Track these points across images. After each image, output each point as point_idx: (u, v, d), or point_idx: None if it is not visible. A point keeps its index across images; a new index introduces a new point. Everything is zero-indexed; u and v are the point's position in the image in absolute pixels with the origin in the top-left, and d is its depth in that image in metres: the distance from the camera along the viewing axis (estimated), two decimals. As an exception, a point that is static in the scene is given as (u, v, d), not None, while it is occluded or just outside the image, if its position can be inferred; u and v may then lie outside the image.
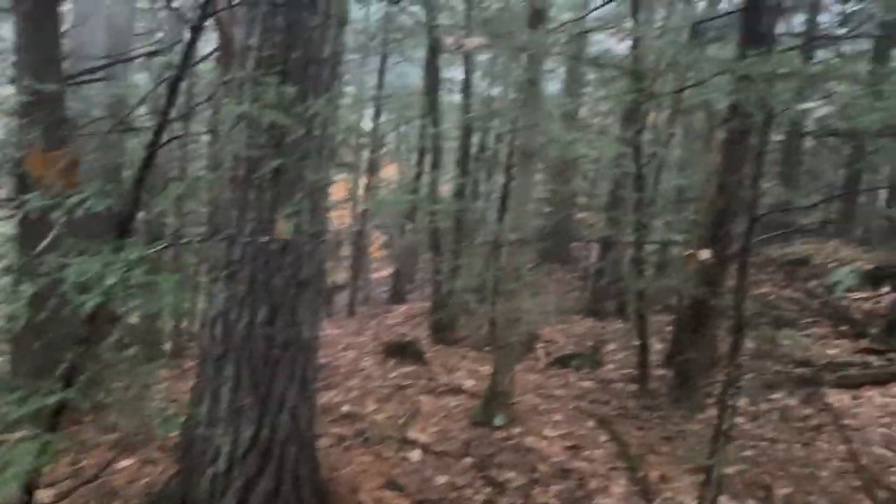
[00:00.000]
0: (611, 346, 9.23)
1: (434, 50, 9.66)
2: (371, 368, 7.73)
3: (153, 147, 2.17)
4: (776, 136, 10.54)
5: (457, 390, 6.97)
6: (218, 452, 3.71)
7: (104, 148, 5.87)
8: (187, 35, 2.23)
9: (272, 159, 3.11)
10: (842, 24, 9.45)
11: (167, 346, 9.33)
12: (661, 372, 7.71)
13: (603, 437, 5.97)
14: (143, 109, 8.08)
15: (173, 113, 2.39)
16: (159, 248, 2.24)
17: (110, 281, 1.64)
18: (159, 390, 7.19)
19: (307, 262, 3.68)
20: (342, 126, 2.97)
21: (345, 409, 6.31)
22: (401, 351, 7.98)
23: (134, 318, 7.65)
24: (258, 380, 3.68)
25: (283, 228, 2.10)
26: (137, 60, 8.46)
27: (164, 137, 2.27)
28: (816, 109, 2.48)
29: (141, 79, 12.45)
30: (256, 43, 3.42)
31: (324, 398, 6.60)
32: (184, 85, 8.67)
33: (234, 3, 3.17)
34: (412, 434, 5.73)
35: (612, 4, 11.01)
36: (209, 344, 3.76)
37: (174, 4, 8.90)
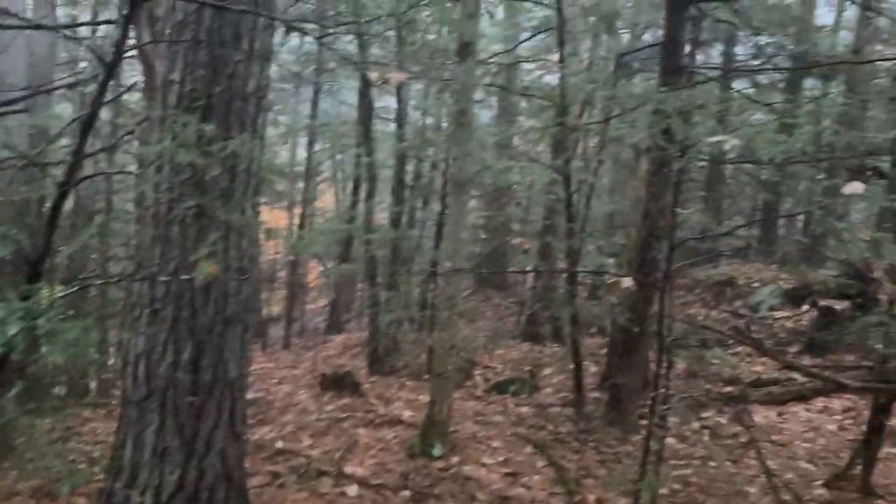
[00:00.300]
0: (547, 371, 9.32)
1: (367, 80, 9.70)
2: (306, 402, 7.59)
3: (65, 187, 2.10)
4: (698, 164, 10.96)
5: (395, 421, 6.90)
6: (143, 499, 3.56)
7: (20, 183, 5.64)
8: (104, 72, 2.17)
9: (192, 197, 3.05)
10: (755, 56, 9.95)
11: (93, 385, 8.98)
12: (596, 395, 7.82)
13: (540, 463, 6.00)
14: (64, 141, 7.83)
15: (92, 146, 2.32)
16: (72, 290, 2.16)
17: (12, 331, 1.57)
18: (83, 433, 6.91)
19: (234, 298, 3.61)
20: (266, 162, 2.91)
21: (279, 445, 6.17)
22: (337, 383, 7.86)
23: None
24: (183, 421, 3.57)
25: (205, 267, 2.06)
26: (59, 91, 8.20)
27: (81, 175, 2.20)
28: (726, 142, 2.60)
29: (64, 109, 12.06)
30: (179, 77, 3.37)
31: (256, 435, 6.44)
32: (109, 115, 8.47)
33: (156, 37, 3.13)
34: (349, 468, 5.64)
35: (541, 36, 11.33)
36: (131, 386, 3.63)
37: (100, 34, 8.69)
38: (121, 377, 4.22)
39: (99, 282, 4.99)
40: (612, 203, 11.51)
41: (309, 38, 12.57)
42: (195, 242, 3.24)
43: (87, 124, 2.18)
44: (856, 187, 2.93)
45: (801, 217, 12.73)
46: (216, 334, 3.58)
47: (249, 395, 7.48)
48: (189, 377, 3.54)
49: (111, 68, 2.05)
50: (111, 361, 9.12)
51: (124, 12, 2.06)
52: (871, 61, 6.78)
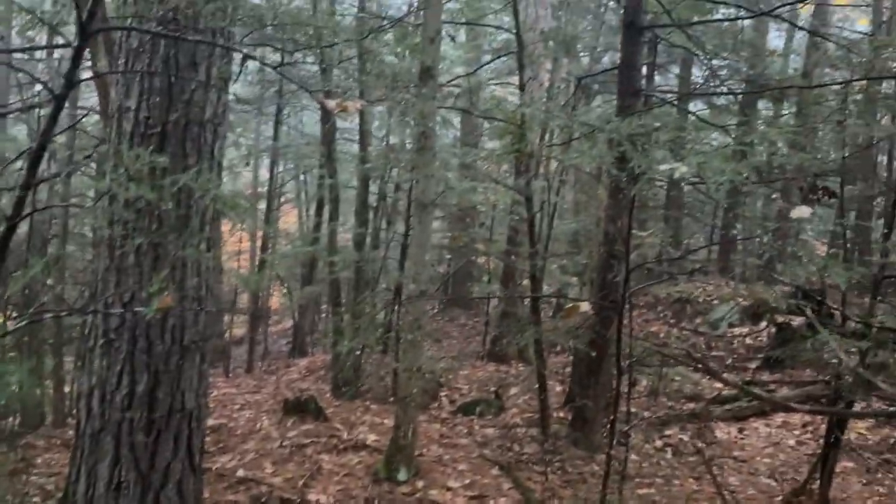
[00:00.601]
0: (513, 391, 9.33)
1: (330, 97, 9.67)
2: (269, 428, 7.47)
3: (12, 221, 2.06)
4: (658, 185, 11.16)
5: (359, 446, 6.84)
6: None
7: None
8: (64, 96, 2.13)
9: (146, 230, 3.01)
10: (708, 79, 10.21)
11: (49, 414, 8.74)
12: (561, 414, 7.85)
13: (507, 485, 5.99)
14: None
15: (48, 170, 2.28)
16: (21, 325, 2.10)
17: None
18: (38, 465, 6.69)
19: (191, 328, 3.55)
20: (223, 199, 2.86)
21: (240, 473, 6.05)
22: (300, 408, 7.75)
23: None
24: (139, 454, 3.48)
25: (156, 301, 2.02)
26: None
27: (32, 205, 2.15)
28: (676, 169, 2.67)
29: (20, 131, 11.80)
30: (134, 104, 3.33)
31: (218, 463, 6.32)
32: (66, 139, 8.32)
33: (113, 63, 3.09)
34: (312, 495, 5.56)
35: (504, 58, 11.48)
36: (85, 418, 3.55)
37: (55, 57, 8.57)
38: (76, 408, 4.12)
39: (49, 315, 4.86)
40: (575, 222, 11.65)
41: (270, 57, 12.56)
42: (151, 272, 3.20)
43: (35, 157, 2.14)
44: (803, 211, 3.02)
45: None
46: (173, 364, 3.51)
47: (210, 422, 7.36)
48: (145, 408, 3.47)
49: (60, 101, 2.02)
50: (67, 389, 8.89)
51: (75, 44, 2.03)
52: (820, 86, 7.01)
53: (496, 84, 11.70)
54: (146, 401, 3.49)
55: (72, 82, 2.06)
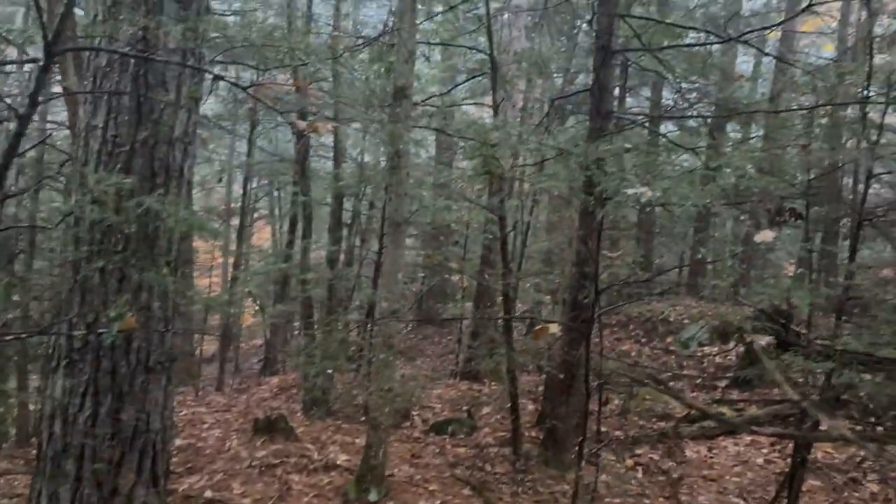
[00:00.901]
0: (485, 410, 9.32)
1: (304, 117, 9.68)
2: (238, 448, 7.36)
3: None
4: (630, 206, 11.30)
5: (330, 466, 6.76)
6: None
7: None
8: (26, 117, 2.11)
9: (109, 252, 2.97)
10: (677, 102, 10.40)
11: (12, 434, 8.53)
12: (533, 434, 7.85)
13: (477, 505, 5.97)
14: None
15: (16, 185, 2.25)
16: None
17: None
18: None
19: (157, 347, 3.50)
20: (189, 222, 2.84)
21: (208, 494, 5.95)
22: (270, 427, 7.65)
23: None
24: (102, 476, 3.41)
25: (117, 324, 1.99)
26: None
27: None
28: (643, 194, 2.71)
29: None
30: (102, 122, 3.29)
31: (185, 484, 6.20)
32: (35, 154, 8.20)
33: (82, 79, 3.06)
34: (281, 517, 5.49)
35: (479, 78, 11.57)
36: (47, 439, 3.47)
37: (26, 70, 8.44)
38: (38, 429, 4.03)
39: (10, 337, 4.76)
40: (548, 241, 11.73)
41: (244, 75, 12.55)
42: (116, 293, 3.15)
43: (-2, 175, 2.11)
44: (767, 235, 3.07)
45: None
46: (137, 386, 3.45)
47: (178, 442, 7.25)
48: (108, 430, 3.40)
49: (24, 120, 2.00)
50: (32, 407, 8.69)
51: (40, 63, 2.02)
52: (786, 111, 7.17)
53: (470, 104, 11.78)
54: (109, 423, 3.43)
55: (36, 102, 2.04)
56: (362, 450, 6.25)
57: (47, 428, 3.50)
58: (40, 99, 2.18)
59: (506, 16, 10.45)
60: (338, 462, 6.87)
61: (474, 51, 10.16)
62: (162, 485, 3.72)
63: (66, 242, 3.19)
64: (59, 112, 9.86)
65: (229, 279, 13.63)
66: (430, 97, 9.12)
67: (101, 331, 2.95)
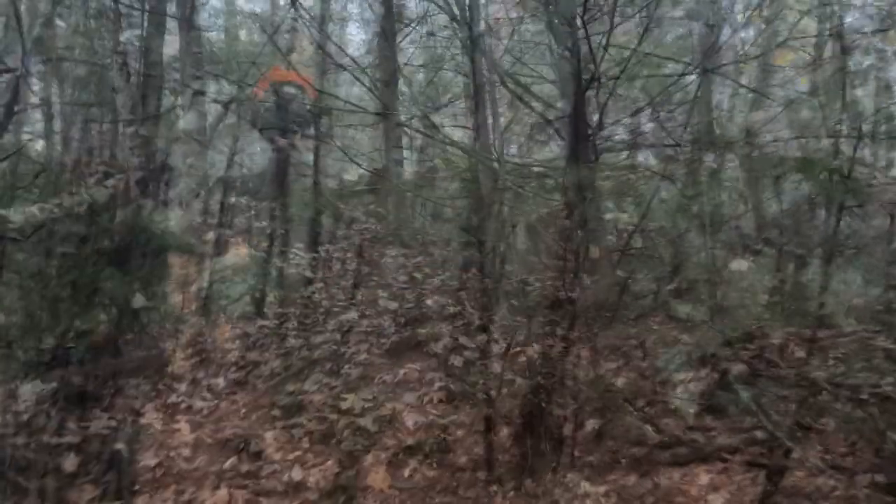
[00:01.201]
0: (460, 433, 9.24)
1: (284, 132, 9.65)
2: (206, 467, 7.23)
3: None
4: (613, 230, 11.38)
5: (300, 487, 6.67)
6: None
7: None
8: None
9: (83, 262, 2.92)
10: (655, 130, 10.53)
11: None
12: (508, 457, 7.80)
13: (450, 530, 5.91)
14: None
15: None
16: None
17: None
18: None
19: (127, 361, 3.44)
20: (167, 227, 2.81)
21: (175, 513, 5.82)
22: (241, 446, 7.55)
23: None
24: (63, 496, 3.33)
25: (91, 335, 1.96)
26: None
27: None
28: (619, 219, 2.74)
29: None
30: (78, 135, 3.26)
31: (154, 501, 6.07)
32: (8, 164, 8.07)
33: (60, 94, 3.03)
34: (248, 540, 5.39)
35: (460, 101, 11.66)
36: (9, 457, 3.37)
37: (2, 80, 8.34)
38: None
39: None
40: (526, 263, 11.72)
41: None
42: (87, 306, 3.09)
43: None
44: (741, 264, 3.11)
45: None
46: (106, 399, 3.39)
47: (145, 461, 7.10)
48: (73, 449, 3.32)
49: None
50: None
51: (17, 73, 2.00)
52: (762, 143, 7.33)
53: (452, 126, 11.84)
54: (76, 435, 3.35)
55: (12, 111, 2.01)
56: (334, 470, 6.18)
57: (10, 445, 3.40)
58: (16, 108, 2.15)
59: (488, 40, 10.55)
60: (308, 484, 6.78)
61: (457, 74, 10.26)
62: (127, 499, 3.64)
63: (38, 254, 3.14)
64: (35, 123, 9.74)
65: (203, 295, 13.46)
66: (412, 118, 9.16)
67: (69, 346, 2.90)
